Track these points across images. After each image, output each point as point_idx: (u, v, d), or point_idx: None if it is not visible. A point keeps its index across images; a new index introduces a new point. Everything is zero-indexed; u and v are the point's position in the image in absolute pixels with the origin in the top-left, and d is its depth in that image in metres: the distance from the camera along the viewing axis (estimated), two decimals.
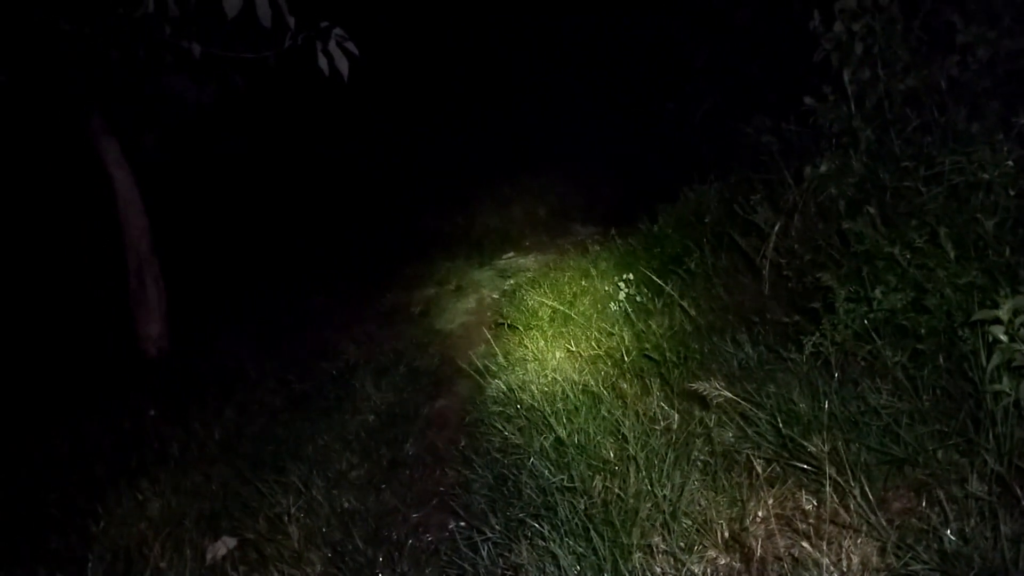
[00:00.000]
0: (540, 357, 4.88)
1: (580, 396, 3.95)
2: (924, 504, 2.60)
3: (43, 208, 9.11)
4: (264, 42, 6.05)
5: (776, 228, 4.38)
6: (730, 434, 3.21)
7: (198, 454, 4.57)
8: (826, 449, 2.70)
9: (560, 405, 3.91)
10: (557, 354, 4.93)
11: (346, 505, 3.75)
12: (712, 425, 3.23)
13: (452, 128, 12.41)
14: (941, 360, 3.08)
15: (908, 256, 3.32)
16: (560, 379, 4.25)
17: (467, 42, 12.24)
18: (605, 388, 3.94)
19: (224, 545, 3.66)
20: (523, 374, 4.58)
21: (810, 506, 2.76)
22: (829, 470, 2.59)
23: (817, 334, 3.43)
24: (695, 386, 3.15)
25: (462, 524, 3.40)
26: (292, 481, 3.93)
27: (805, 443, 2.82)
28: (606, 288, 5.75)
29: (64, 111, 5.96)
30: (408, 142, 12.44)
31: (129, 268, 7.26)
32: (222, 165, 10.09)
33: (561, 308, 5.58)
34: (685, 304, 4.70)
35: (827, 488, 2.58)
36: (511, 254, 8.83)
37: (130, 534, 3.77)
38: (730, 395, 3.04)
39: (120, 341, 7.45)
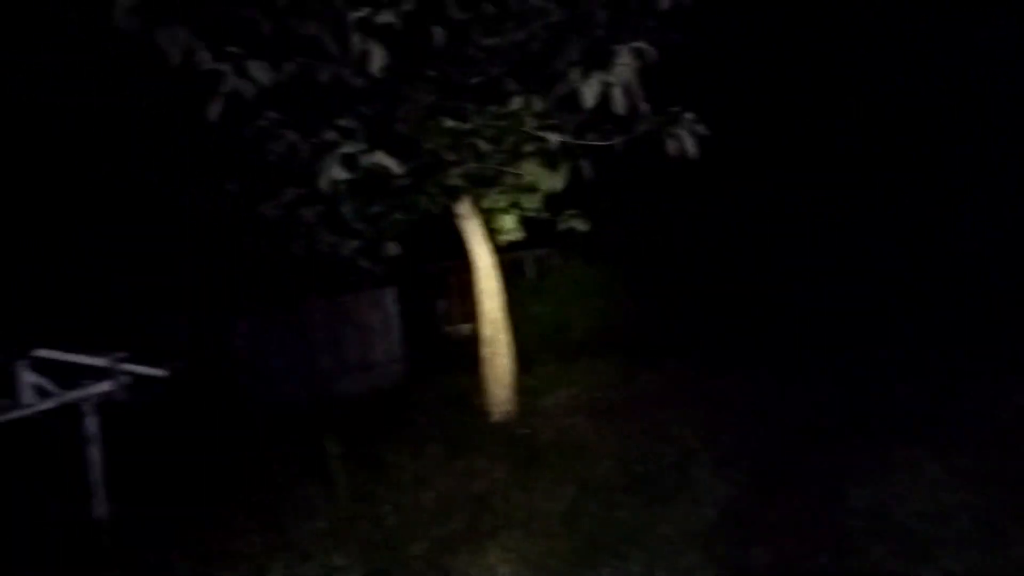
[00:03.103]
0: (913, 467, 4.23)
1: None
2: None
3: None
4: (612, 129, 6.36)
5: None
6: None
7: (542, 525, 4.69)
8: None
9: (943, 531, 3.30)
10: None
11: None
12: None
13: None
14: None
15: None
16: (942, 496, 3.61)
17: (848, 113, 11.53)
18: None
19: None
20: (895, 488, 3.99)
21: None
22: None
23: None
24: None
25: None
26: (634, 571, 3.83)
27: None
28: None
29: (444, 196, 6.71)
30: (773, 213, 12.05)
31: (483, 336, 7.94)
32: (566, 244, 10.72)
33: None
34: None
35: None
36: None
37: None
38: None
39: (469, 403, 8.16)
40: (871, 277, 10.52)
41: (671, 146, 5.02)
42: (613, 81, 4.51)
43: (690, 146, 4.96)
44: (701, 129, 4.94)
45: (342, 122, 5.56)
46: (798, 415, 6.38)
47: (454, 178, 6.18)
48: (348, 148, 4.63)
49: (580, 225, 8.50)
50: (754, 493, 4.81)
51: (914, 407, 5.84)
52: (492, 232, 8.13)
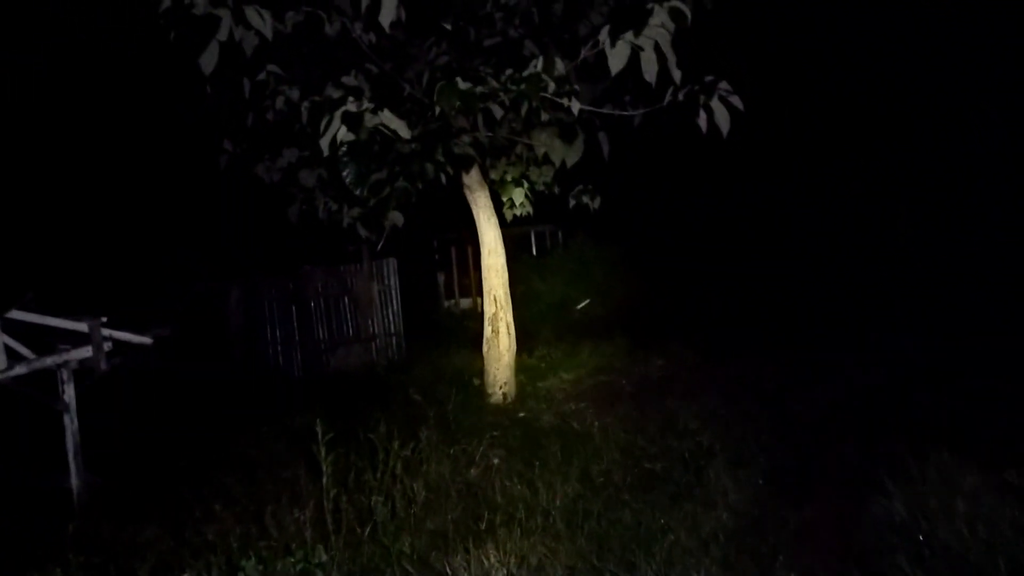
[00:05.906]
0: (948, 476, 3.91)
1: None
2: None
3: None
4: (636, 100, 5.94)
5: None
6: None
7: (542, 522, 4.37)
8: None
9: (1001, 562, 2.98)
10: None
11: None
12: None
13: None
14: None
15: None
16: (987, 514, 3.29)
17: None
18: None
19: None
20: (930, 500, 3.66)
21: None
22: None
23: None
24: None
25: None
26: None
27: None
28: None
29: (452, 165, 6.32)
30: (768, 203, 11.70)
31: (484, 313, 7.59)
32: (577, 219, 10.35)
33: None
34: None
35: None
36: None
37: None
38: None
39: (467, 382, 7.83)
40: (891, 265, 10.18)
41: (702, 121, 4.61)
42: (643, 45, 4.10)
43: (723, 121, 4.55)
44: (736, 102, 4.53)
45: (348, 80, 5.16)
46: (815, 409, 6.08)
47: (464, 145, 5.78)
48: (352, 107, 4.22)
49: (591, 202, 8.10)
50: (774, 496, 4.49)
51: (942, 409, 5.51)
52: (499, 205, 7.76)
